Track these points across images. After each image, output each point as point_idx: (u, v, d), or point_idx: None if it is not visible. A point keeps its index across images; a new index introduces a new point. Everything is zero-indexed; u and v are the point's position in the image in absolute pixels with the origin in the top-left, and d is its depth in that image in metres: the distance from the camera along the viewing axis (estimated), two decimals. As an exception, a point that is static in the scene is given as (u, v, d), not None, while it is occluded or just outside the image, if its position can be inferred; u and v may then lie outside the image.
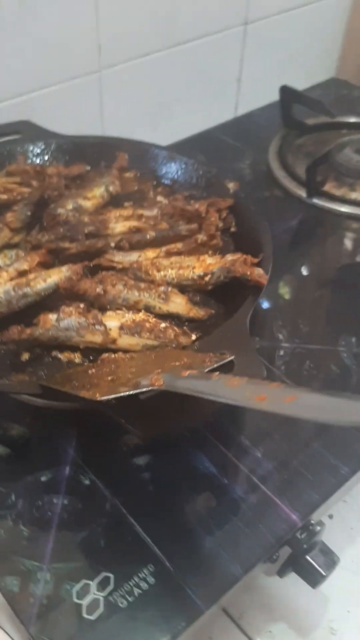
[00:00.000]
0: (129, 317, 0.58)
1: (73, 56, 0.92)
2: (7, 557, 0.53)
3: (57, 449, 0.61)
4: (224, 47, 1.11)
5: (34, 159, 0.80)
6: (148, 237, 0.67)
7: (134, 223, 0.68)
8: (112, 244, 0.66)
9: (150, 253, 0.66)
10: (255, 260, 0.62)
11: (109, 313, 0.58)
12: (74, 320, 0.54)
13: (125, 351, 0.57)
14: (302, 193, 0.91)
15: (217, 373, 0.49)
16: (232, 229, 0.71)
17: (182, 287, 0.64)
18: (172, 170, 0.79)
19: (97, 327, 0.55)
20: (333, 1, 1.26)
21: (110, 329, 0.56)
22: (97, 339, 0.55)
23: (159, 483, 0.59)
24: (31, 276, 0.62)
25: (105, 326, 0.56)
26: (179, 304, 0.62)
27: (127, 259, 0.65)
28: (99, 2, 0.89)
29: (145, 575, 0.52)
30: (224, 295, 0.64)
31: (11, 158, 0.78)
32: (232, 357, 0.51)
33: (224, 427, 0.63)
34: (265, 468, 0.60)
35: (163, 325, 0.58)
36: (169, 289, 0.62)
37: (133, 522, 0.56)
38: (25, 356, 0.58)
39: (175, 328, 0.58)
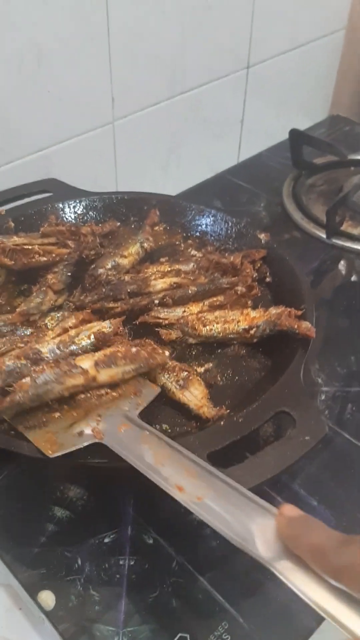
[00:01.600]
0: (99, 353, 0.59)
1: (89, 109, 0.94)
2: (81, 623, 0.54)
3: (116, 508, 0.62)
4: (227, 91, 1.15)
5: (65, 217, 0.81)
6: (190, 292, 0.68)
7: (174, 279, 0.70)
8: (156, 301, 0.67)
9: (194, 307, 0.67)
10: (299, 313, 0.64)
11: (78, 357, 0.59)
12: (50, 373, 0.55)
13: (111, 386, 0.58)
14: (321, 234, 0.94)
15: (148, 433, 0.53)
16: (267, 279, 0.73)
17: (228, 340, 0.66)
18: (201, 222, 0.81)
19: (73, 370, 0.55)
20: (327, 40, 1.30)
21: (86, 369, 0.57)
22: (79, 380, 0.56)
23: (221, 538, 0.58)
24: (72, 332, 0.63)
25: (81, 367, 0.56)
26: (194, 396, 0.61)
27: (173, 314, 0.67)
28: (112, 56, 0.92)
29: (221, 633, 0.53)
30: (269, 348, 0.66)
31: (43, 217, 0.80)
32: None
33: (277, 477, 0.64)
34: (324, 517, 0.61)
35: (134, 349, 0.59)
36: (193, 377, 0.62)
37: (201, 579, 0.57)
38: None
39: (147, 347, 0.60)
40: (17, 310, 0.67)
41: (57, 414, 0.56)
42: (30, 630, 0.62)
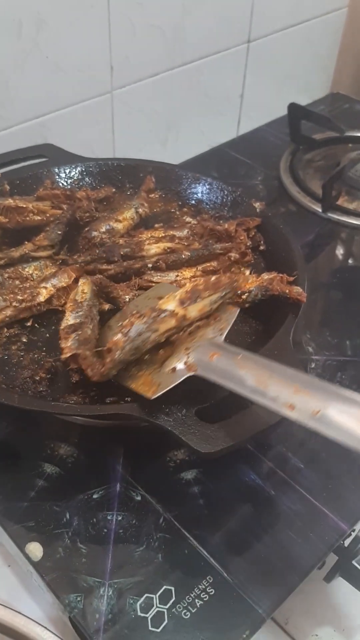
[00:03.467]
0: (180, 291, 0.57)
1: (87, 78, 0.94)
2: (68, 575, 0.55)
3: (105, 466, 0.62)
4: (228, 65, 1.15)
5: (61, 182, 0.81)
6: (183, 256, 0.69)
7: (167, 244, 0.70)
8: (149, 265, 0.68)
9: (187, 272, 0.68)
10: (291, 279, 0.64)
11: (161, 300, 0.57)
12: (140, 324, 0.53)
13: (201, 319, 0.58)
14: (316, 208, 0.94)
15: (241, 356, 0.51)
16: (261, 247, 0.74)
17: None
18: (197, 191, 0.81)
19: (161, 315, 0.54)
20: (329, 17, 1.30)
21: (174, 310, 0.55)
22: (171, 323, 0.55)
23: (208, 497, 0.60)
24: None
25: (168, 310, 0.55)
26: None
27: (166, 278, 0.67)
28: (112, 24, 0.91)
29: (205, 586, 0.54)
30: (261, 313, 0.67)
31: (39, 181, 0.80)
32: None
33: (265, 440, 0.65)
34: (310, 479, 0.62)
35: (213, 278, 0.58)
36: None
37: (187, 536, 0.57)
38: (76, 377, 0.59)
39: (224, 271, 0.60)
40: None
41: (146, 356, 0.55)
42: (18, 586, 0.63)
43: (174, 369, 0.53)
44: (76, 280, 0.66)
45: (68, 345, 0.55)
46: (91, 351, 0.55)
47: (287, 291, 0.62)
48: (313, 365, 0.73)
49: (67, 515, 0.59)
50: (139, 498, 0.60)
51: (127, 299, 0.64)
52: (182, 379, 0.52)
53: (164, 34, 1.00)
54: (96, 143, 1.01)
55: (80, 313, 0.60)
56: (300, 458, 0.64)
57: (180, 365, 0.53)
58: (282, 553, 0.57)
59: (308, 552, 0.57)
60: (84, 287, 0.63)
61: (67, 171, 0.82)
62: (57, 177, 0.81)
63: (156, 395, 0.51)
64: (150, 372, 0.54)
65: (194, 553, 0.56)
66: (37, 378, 0.58)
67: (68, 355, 0.55)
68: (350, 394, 0.46)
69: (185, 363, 0.53)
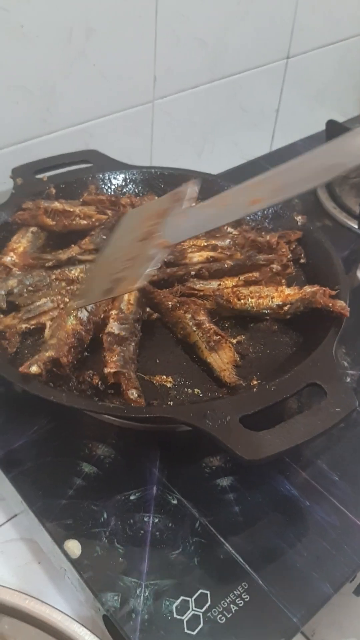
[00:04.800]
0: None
1: (130, 87, 0.95)
2: (105, 574, 0.55)
3: (142, 469, 0.63)
4: (266, 80, 1.16)
5: (104, 188, 0.83)
6: (226, 266, 0.70)
7: (210, 253, 0.72)
8: (192, 273, 0.69)
9: (229, 282, 0.69)
10: (334, 293, 0.65)
11: None
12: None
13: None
14: (352, 224, 0.95)
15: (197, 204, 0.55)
16: (302, 260, 0.75)
17: (261, 315, 0.68)
18: (239, 202, 0.82)
19: None
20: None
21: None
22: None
23: (244, 504, 0.61)
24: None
25: None
26: (221, 359, 0.62)
27: (208, 286, 0.68)
28: (158, 35, 0.93)
29: (240, 592, 0.55)
30: (301, 325, 0.67)
31: (83, 186, 0.81)
32: None
33: (300, 450, 0.66)
34: (345, 491, 0.62)
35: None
36: (225, 342, 0.63)
37: (223, 542, 0.58)
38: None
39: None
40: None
41: (129, 264, 0.55)
42: (48, 584, 0.64)
43: (150, 257, 0.54)
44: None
45: (114, 361, 0.57)
46: (134, 372, 0.57)
47: (330, 305, 0.63)
48: (348, 379, 0.73)
49: (105, 515, 0.59)
50: (175, 502, 0.61)
51: (170, 305, 0.65)
52: (157, 258, 0.53)
53: (206, 46, 1.02)
54: (134, 151, 1.02)
55: (126, 326, 0.61)
56: (335, 470, 0.64)
57: (154, 250, 0.54)
58: (316, 563, 0.57)
59: (342, 564, 0.57)
60: (130, 298, 0.64)
61: (111, 177, 0.84)
62: (101, 183, 0.83)
63: (143, 282, 0.52)
64: (132, 272, 0.54)
65: (230, 559, 0.57)
66: (81, 379, 0.59)
67: (112, 371, 0.56)
68: None
69: (157, 245, 0.54)
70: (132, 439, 0.65)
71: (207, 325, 0.62)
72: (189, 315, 0.63)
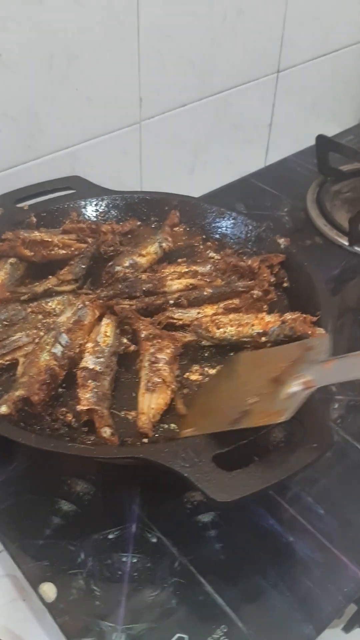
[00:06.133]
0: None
1: (116, 109, 0.94)
2: (81, 617, 0.54)
3: (122, 505, 0.62)
4: (256, 95, 1.15)
5: (87, 214, 0.82)
6: (205, 294, 0.68)
7: (190, 280, 0.70)
8: (171, 301, 0.68)
9: (209, 309, 0.68)
10: (314, 319, 0.63)
11: None
12: None
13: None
14: (343, 241, 0.93)
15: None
16: (285, 284, 0.73)
17: (242, 344, 0.66)
18: (221, 225, 0.81)
19: None
20: (359, 47, 1.29)
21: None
22: None
23: (225, 541, 0.59)
24: (94, 337, 0.64)
25: None
26: (150, 401, 0.59)
27: (187, 315, 0.67)
28: (141, 57, 0.92)
29: (219, 636, 0.53)
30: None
31: (65, 214, 0.80)
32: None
33: (285, 483, 0.64)
34: (331, 526, 0.60)
35: None
36: (167, 387, 0.60)
37: (203, 582, 0.56)
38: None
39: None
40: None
41: (254, 399, 0.55)
42: (33, 621, 0.63)
43: (290, 394, 0.53)
44: (99, 318, 0.66)
45: (86, 397, 0.55)
46: (108, 409, 0.55)
47: (310, 332, 0.61)
48: (336, 405, 0.71)
49: (82, 555, 0.58)
50: (154, 540, 0.59)
51: (143, 335, 0.63)
52: (305, 396, 0.52)
53: (194, 65, 1.01)
54: (124, 172, 1.02)
55: (102, 360, 0.60)
56: (321, 504, 0.62)
57: (295, 389, 0.53)
58: (299, 604, 0.55)
59: (326, 604, 0.55)
60: (107, 329, 0.63)
61: (94, 204, 0.83)
62: (83, 209, 0.82)
63: (288, 416, 0.51)
64: (266, 407, 0.54)
65: (209, 600, 0.55)
66: (54, 417, 0.58)
67: (85, 408, 0.55)
68: None
69: (302, 384, 0.53)
70: (112, 475, 0.64)
71: (160, 365, 0.60)
72: (152, 350, 0.61)
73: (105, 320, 0.64)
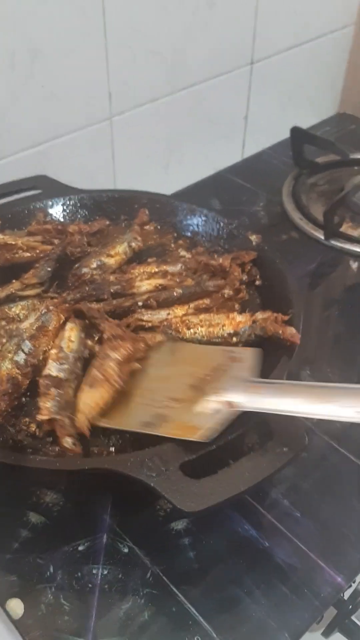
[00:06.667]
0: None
1: (85, 105, 0.92)
2: (50, 634, 0.52)
3: (93, 515, 0.60)
4: (231, 87, 1.13)
5: (53, 215, 0.80)
6: (175, 294, 0.66)
7: (159, 281, 0.68)
8: (140, 303, 0.66)
9: (179, 310, 0.66)
10: (286, 318, 0.61)
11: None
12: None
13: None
14: (319, 235, 0.91)
15: (289, 384, 0.52)
16: (257, 282, 0.71)
17: (213, 344, 0.64)
18: (192, 222, 0.79)
19: None
20: (335, 36, 1.27)
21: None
22: None
23: (199, 548, 0.58)
24: (58, 342, 0.62)
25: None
26: (89, 398, 0.56)
27: (156, 317, 0.65)
28: (109, 51, 0.90)
29: (193, 648, 0.52)
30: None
31: (31, 215, 0.78)
32: None
33: (260, 487, 0.62)
34: (307, 529, 0.59)
35: None
36: (108, 385, 0.57)
37: (176, 592, 0.55)
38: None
39: None
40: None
41: (172, 404, 0.54)
42: (6, 636, 0.61)
43: (214, 411, 0.52)
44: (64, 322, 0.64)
45: (47, 407, 0.53)
46: (70, 418, 0.53)
47: (281, 332, 0.60)
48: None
49: (51, 569, 0.56)
50: (126, 550, 0.58)
51: (106, 336, 0.61)
52: (230, 418, 0.51)
53: (164, 58, 0.98)
54: (96, 170, 0.99)
55: (65, 367, 0.58)
56: (298, 507, 0.61)
57: (217, 405, 0.52)
58: (275, 611, 0.54)
59: (302, 611, 0.54)
60: (71, 334, 0.61)
61: (61, 204, 0.80)
62: (50, 209, 0.80)
63: (206, 437, 0.50)
64: (185, 418, 0.52)
65: (182, 611, 0.54)
66: (17, 428, 0.56)
67: (45, 418, 0.53)
68: None
69: (222, 402, 0.52)
70: (82, 485, 0.62)
71: (108, 362, 0.57)
72: (106, 348, 0.59)
73: (69, 325, 0.62)
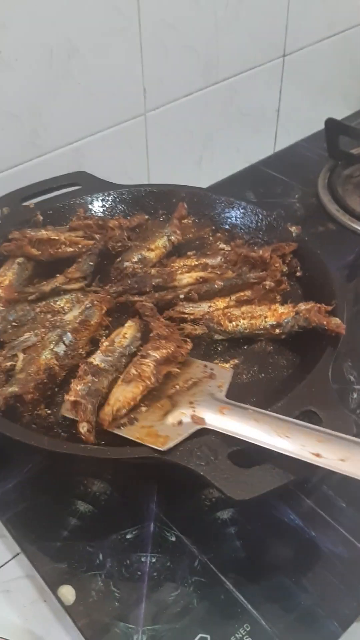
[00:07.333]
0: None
1: (120, 101, 0.93)
2: (101, 620, 0.53)
3: (139, 505, 0.61)
4: (263, 80, 1.13)
5: (93, 210, 0.81)
6: (216, 286, 0.67)
7: (200, 273, 0.69)
8: (182, 296, 0.66)
9: (221, 302, 0.66)
10: (329, 308, 0.62)
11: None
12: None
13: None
14: (356, 226, 0.91)
15: (253, 411, 0.53)
16: (298, 274, 0.71)
17: (255, 336, 0.65)
18: (231, 215, 0.79)
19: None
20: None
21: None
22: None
23: (245, 537, 0.58)
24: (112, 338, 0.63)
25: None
26: (119, 392, 0.57)
27: (198, 309, 0.65)
28: (144, 47, 0.91)
29: (242, 635, 0.52)
30: (299, 344, 0.64)
31: (72, 211, 0.79)
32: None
33: (306, 477, 0.62)
34: (352, 519, 0.59)
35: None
36: (141, 381, 0.57)
37: (224, 580, 0.55)
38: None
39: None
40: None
41: (143, 408, 0.56)
42: (55, 623, 0.62)
43: (180, 422, 0.54)
44: (108, 313, 0.65)
45: (77, 389, 0.54)
46: (93, 405, 0.54)
47: (325, 322, 0.60)
48: (355, 395, 0.69)
49: (100, 557, 0.57)
50: (173, 539, 0.58)
51: (152, 334, 0.62)
52: (191, 432, 0.52)
53: (197, 53, 0.99)
54: (131, 166, 1.00)
55: (109, 359, 0.58)
56: (342, 497, 0.61)
57: (186, 419, 0.54)
58: (323, 600, 0.54)
59: (350, 600, 0.54)
60: (128, 332, 0.62)
61: (100, 199, 0.82)
62: (90, 205, 0.81)
63: (168, 447, 0.51)
64: (151, 424, 0.54)
65: (231, 598, 0.54)
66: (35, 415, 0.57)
67: (72, 399, 0.54)
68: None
69: (191, 417, 0.54)
70: (129, 473, 0.63)
71: (147, 360, 0.58)
72: (148, 346, 0.60)
73: (129, 323, 0.63)
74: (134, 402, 0.56)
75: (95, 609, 0.54)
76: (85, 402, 0.53)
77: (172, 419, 0.54)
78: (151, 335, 0.60)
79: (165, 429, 0.53)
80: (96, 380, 0.56)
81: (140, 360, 0.58)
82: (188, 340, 0.61)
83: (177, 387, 0.58)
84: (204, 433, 0.55)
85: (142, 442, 0.52)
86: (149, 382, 0.57)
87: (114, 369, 0.58)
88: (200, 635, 0.52)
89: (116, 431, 0.54)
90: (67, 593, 0.55)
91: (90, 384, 0.55)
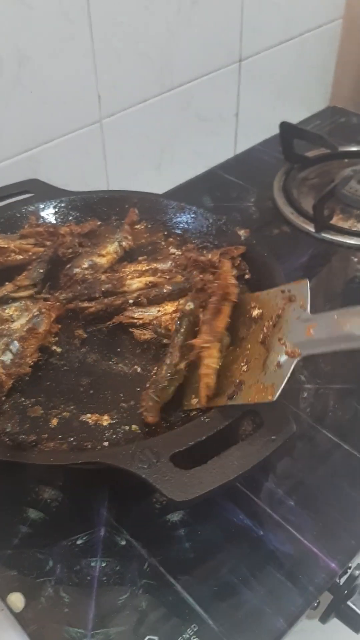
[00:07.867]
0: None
1: (74, 109, 0.93)
2: (50, 626, 0.53)
3: (90, 510, 0.61)
4: (220, 85, 1.13)
5: (46, 217, 0.81)
6: (165, 291, 0.68)
7: (149, 278, 0.69)
8: (131, 301, 0.67)
9: (169, 307, 0.67)
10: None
11: None
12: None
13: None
14: (310, 228, 0.92)
15: (337, 315, 0.51)
16: (247, 276, 0.72)
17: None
18: (182, 220, 0.80)
19: None
20: (323, 30, 1.28)
21: None
22: None
23: (195, 539, 0.59)
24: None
25: None
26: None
27: (147, 314, 0.66)
28: (96, 54, 0.91)
29: (190, 635, 0.53)
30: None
31: (23, 219, 0.80)
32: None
33: (254, 476, 0.63)
34: (300, 516, 0.60)
35: None
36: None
37: (173, 582, 0.56)
38: (54, 422, 0.59)
39: None
40: None
41: (244, 367, 0.55)
42: (9, 631, 0.62)
43: (278, 364, 0.52)
44: (58, 320, 0.65)
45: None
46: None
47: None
48: (305, 394, 0.71)
49: (51, 563, 0.58)
50: (123, 542, 0.59)
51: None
52: (292, 367, 0.51)
53: (151, 59, 0.99)
54: (89, 173, 1.01)
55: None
56: (291, 496, 0.62)
57: (282, 358, 0.52)
58: (270, 597, 0.55)
59: (297, 596, 0.55)
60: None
61: (52, 206, 0.82)
62: (42, 212, 0.81)
63: (277, 395, 0.50)
64: (257, 379, 0.53)
65: (179, 600, 0.55)
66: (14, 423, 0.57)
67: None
68: None
69: (286, 353, 0.52)
70: (80, 479, 0.63)
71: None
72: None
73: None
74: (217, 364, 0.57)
75: (44, 615, 0.54)
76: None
77: (270, 364, 0.53)
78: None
79: (268, 378, 0.52)
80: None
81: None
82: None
83: (265, 329, 0.57)
84: (151, 435, 0.56)
85: (255, 403, 0.51)
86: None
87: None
88: (148, 637, 0.52)
89: (229, 403, 0.54)
90: (16, 600, 0.55)
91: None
